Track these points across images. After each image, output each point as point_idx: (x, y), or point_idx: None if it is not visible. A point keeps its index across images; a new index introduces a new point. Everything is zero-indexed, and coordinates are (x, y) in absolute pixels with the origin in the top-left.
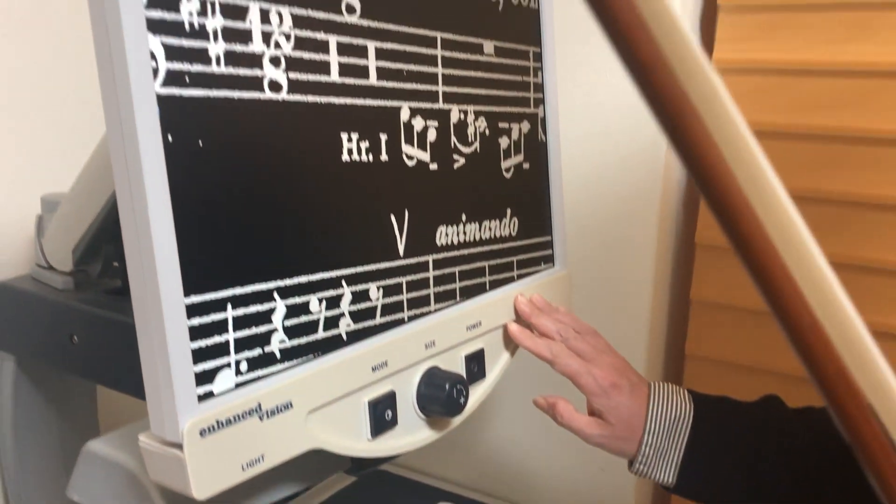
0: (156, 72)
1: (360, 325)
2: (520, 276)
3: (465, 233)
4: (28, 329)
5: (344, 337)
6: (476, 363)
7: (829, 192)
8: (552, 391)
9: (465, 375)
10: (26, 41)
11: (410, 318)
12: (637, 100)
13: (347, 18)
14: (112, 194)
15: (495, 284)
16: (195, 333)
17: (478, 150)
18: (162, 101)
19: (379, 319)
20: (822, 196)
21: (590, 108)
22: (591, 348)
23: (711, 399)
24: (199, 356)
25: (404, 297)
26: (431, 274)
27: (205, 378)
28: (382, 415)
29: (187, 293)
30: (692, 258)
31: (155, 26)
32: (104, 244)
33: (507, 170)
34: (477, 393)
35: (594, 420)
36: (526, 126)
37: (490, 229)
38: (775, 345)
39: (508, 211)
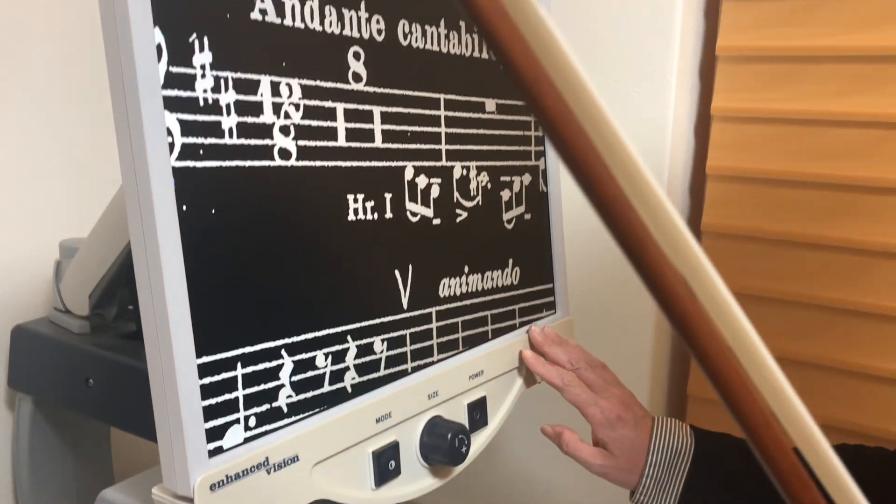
0: (172, 146)
1: (365, 378)
2: (522, 324)
3: (467, 284)
4: (45, 371)
5: (349, 390)
6: (479, 411)
7: (837, 240)
8: (558, 422)
9: (467, 423)
10: (47, 93)
11: (414, 370)
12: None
13: (354, 86)
14: (128, 243)
15: (497, 333)
16: (206, 392)
17: (480, 203)
18: (177, 173)
19: (383, 371)
20: (830, 243)
21: None
22: (601, 380)
23: (712, 435)
24: (209, 413)
25: (408, 348)
26: (434, 325)
27: (215, 434)
28: (386, 465)
29: (199, 354)
30: None
31: (172, 104)
32: (119, 289)
33: (509, 221)
34: (479, 440)
35: (598, 450)
36: (527, 178)
37: (492, 279)
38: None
39: (510, 261)
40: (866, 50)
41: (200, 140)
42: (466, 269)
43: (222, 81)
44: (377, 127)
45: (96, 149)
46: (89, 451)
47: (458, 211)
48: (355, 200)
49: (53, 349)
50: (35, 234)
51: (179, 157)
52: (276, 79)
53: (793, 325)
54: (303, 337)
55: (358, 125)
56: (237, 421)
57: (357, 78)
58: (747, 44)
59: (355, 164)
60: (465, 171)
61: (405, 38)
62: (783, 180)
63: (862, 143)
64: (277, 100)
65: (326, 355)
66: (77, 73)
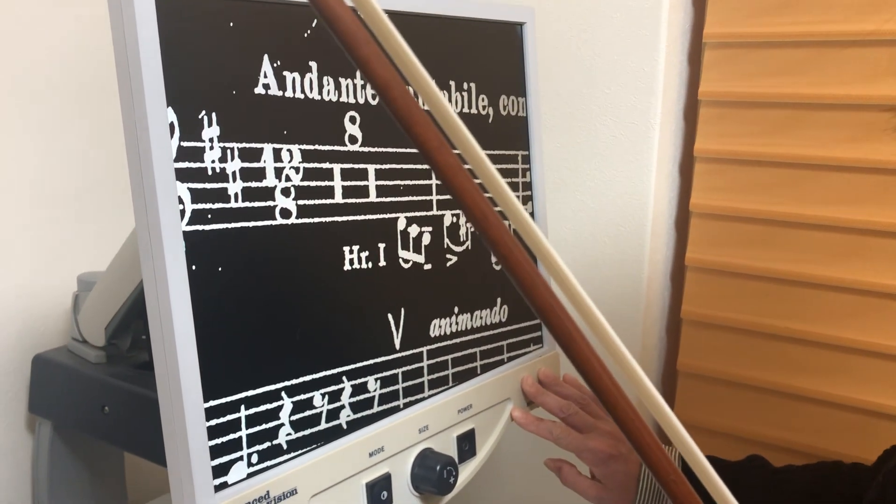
0: (183, 213)
1: (359, 415)
2: (510, 359)
3: (457, 323)
4: (64, 398)
5: (344, 426)
6: (467, 442)
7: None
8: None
9: (456, 455)
10: (69, 133)
11: (405, 405)
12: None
13: (350, 147)
14: (141, 280)
15: (486, 368)
16: (213, 433)
17: (469, 247)
18: (188, 237)
19: (376, 408)
20: (806, 280)
21: (580, 208)
22: (592, 419)
23: None
24: (216, 452)
25: (400, 386)
26: (425, 363)
27: (221, 470)
28: (379, 495)
29: (206, 398)
30: (678, 331)
31: (183, 175)
32: (133, 321)
33: (497, 262)
34: (468, 470)
35: (594, 483)
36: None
37: (481, 318)
38: (759, 416)
39: (499, 300)
40: (842, 98)
41: (209, 205)
42: (456, 310)
43: (229, 152)
44: (371, 183)
45: (114, 188)
46: (104, 474)
47: (449, 256)
48: (351, 251)
49: (71, 377)
50: (55, 268)
51: (190, 222)
52: (277, 146)
53: (777, 358)
54: (301, 379)
55: (354, 182)
56: (241, 458)
57: (353, 140)
58: (728, 89)
59: (351, 218)
60: (454, 219)
61: None
62: (764, 219)
63: (841, 186)
64: (279, 165)
65: (323, 395)
66: (97, 114)
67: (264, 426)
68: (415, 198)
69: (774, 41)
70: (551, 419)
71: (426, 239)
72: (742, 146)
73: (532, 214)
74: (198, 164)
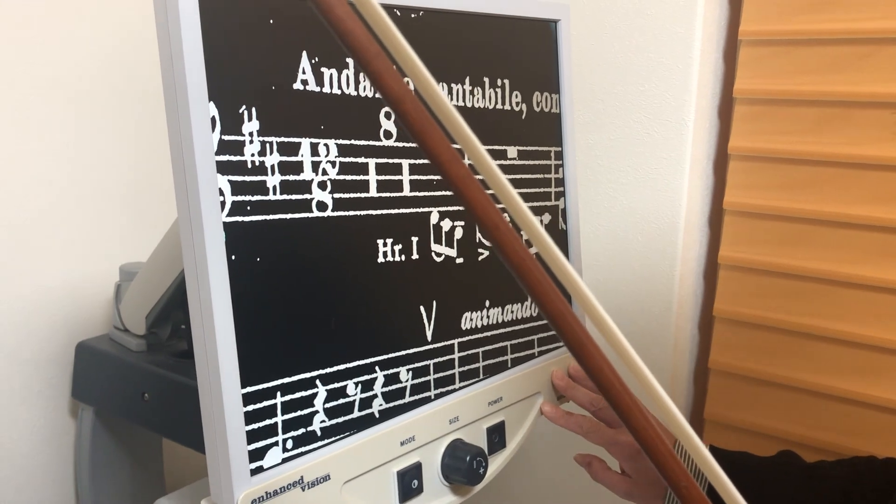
0: (223, 204)
1: (391, 405)
2: (540, 353)
3: (488, 317)
4: (105, 385)
5: (376, 415)
6: (497, 434)
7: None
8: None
9: (486, 446)
10: (110, 125)
11: (437, 396)
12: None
13: (385, 142)
14: (182, 270)
15: (517, 362)
16: (250, 418)
17: None
18: (228, 227)
19: (408, 398)
20: (840, 279)
21: (611, 207)
22: None
23: (731, 454)
24: (252, 437)
25: (431, 377)
26: (457, 356)
27: (257, 455)
28: (409, 483)
29: (244, 385)
30: (710, 329)
31: (224, 168)
32: (173, 310)
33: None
34: (497, 461)
35: (623, 478)
36: (547, 217)
37: (512, 312)
38: (790, 414)
39: None
40: (879, 96)
41: (248, 198)
42: (487, 304)
43: (268, 145)
44: (405, 178)
45: (155, 180)
46: (143, 459)
47: (480, 250)
48: (384, 244)
49: (113, 365)
50: (97, 258)
51: (230, 214)
52: (315, 140)
53: (809, 357)
54: (335, 368)
55: (388, 177)
56: (276, 444)
57: (388, 135)
58: (764, 87)
59: (385, 212)
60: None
61: None
62: (798, 217)
63: (877, 185)
64: (316, 159)
65: (356, 384)
66: (140, 108)
67: (299, 413)
68: (447, 193)
69: (811, 39)
70: (581, 413)
71: (458, 233)
72: (777, 144)
73: (565, 210)
74: (238, 157)
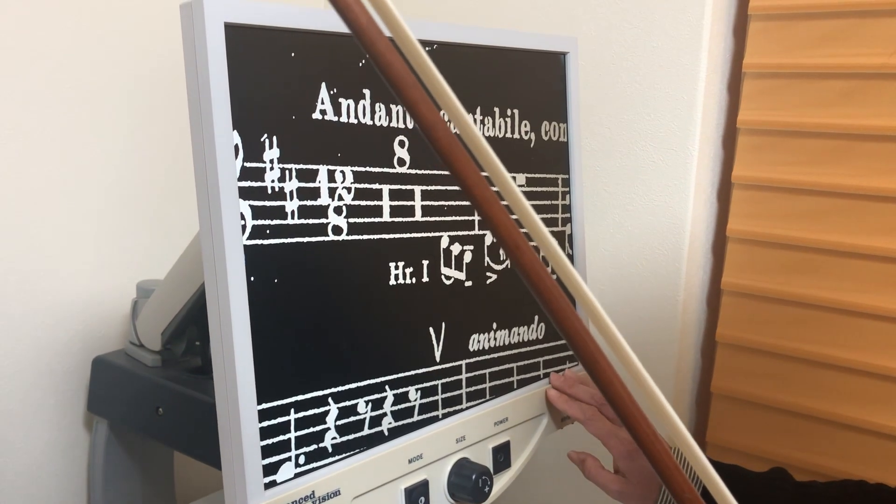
0: (244, 228)
1: (400, 423)
2: (546, 375)
3: (495, 339)
4: (121, 399)
5: (386, 433)
6: (502, 454)
7: (849, 304)
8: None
9: (491, 466)
10: (131, 145)
11: (444, 416)
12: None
13: (399, 169)
14: (198, 288)
15: (523, 383)
16: (265, 433)
17: (509, 266)
18: (248, 250)
19: (416, 417)
20: (841, 307)
21: (620, 225)
22: None
23: (724, 466)
24: (266, 452)
25: (439, 397)
26: (464, 376)
27: (271, 469)
28: (417, 500)
29: (260, 401)
30: (713, 354)
31: (245, 193)
32: (188, 327)
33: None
34: (502, 480)
35: (617, 477)
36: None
37: (519, 334)
38: (791, 440)
39: (536, 317)
40: (881, 130)
41: (268, 222)
42: (495, 326)
43: (287, 172)
44: (418, 203)
45: (174, 199)
46: (155, 472)
47: (489, 273)
48: (396, 267)
49: (128, 379)
50: (115, 275)
51: (250, 237)
52: (332, 167)
53: (811, 383)
54: (347, 387)
55: (401, 203)
56: (289, 459)
57: (401, 162)
58: (767, 118)
59: (397, 236)
60: (495, 238)
61: None
62: (801, 245)
63: (877, 216)
64: (333, 185)
65: (367, 402)
66: (160, 128)
67: (312, 429)
68: (458, 218)
69: (813, 72)
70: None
71: (468, 257)
72: (780, 174)
73: (571, 236)
74: (259, 184)
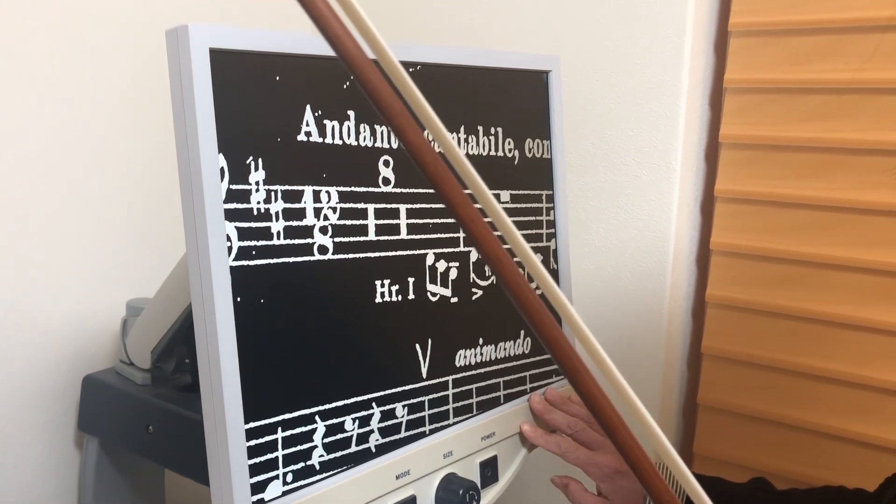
0: (230, 250)
1: (387, 440)
2: (532, 389)
3: (482, 354)
4: (111, 417)
5: (373, 450)
6: (490, 468)
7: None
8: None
9: (479, 480)
10: (120, 164)
11: (431, 431)
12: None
13: (384, 189)
14: (187, 307)
15: (509, 398)
16: (252, 452)
17: (494, 281)
18: (234, 271)
19: (403, 433)
20: (822, 318)
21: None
22: (600, 436)
23: (705, 479)
24: (254, 470)
25: (426, 413)
26: (451, 392)
27: (259, 488)
28: None
29: (247, 420)
30: (699, 366)
31: (231, 215)
32: (178, 345)
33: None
34: (490, 495)
35: (600, 500)
36: (539, 258)
37: (505, 349)
38: (778, 451)
39: (522, 332)
40: (859, 143)
41: (254, 243)
42: (481, 341)
43: (272, 193)
44: (403, 222)
45: (162, 218)
46: (146, 489)
47: (474, 290)
48: (382, 285)
49: (118, 397)
50: (104, 294)
51: (236, 258)
52: (317, 188)
53: (796, 394)
54: (334, 404)
55: (386, 221)
56: (277, 477)
57: (386, 182)
58: (748, 133)
59: (383, 254)
60: (479, 254)
61: None
62: (783, 258)
63: (855, 228)
64: (318, 205)
65: (354, 420)
66: (149, 147)
67: (299, 447)
68: (443, 235)
69: (793, 88)
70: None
71: (453, 273)
72: (762, 187)
73: (556, 251)
74: (245, 205)
